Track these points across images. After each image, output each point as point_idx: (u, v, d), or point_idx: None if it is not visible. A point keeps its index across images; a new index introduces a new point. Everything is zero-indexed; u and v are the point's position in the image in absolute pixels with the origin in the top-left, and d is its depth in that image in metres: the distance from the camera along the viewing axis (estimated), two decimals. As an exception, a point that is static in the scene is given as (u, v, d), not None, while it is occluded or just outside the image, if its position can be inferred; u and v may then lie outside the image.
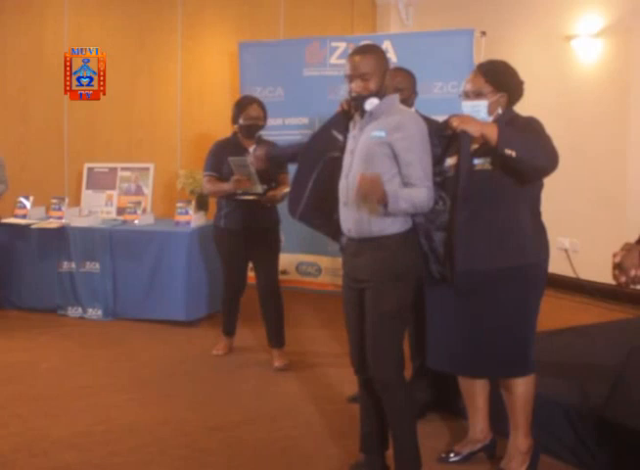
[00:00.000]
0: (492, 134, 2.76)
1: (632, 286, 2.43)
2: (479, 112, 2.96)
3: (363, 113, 2.91)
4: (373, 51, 2.92)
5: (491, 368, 3.08)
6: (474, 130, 2.79)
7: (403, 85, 3.67)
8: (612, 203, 6.12)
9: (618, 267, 2.40)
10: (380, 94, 2.88)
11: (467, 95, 3.00)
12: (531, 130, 2.89)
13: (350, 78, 2.88)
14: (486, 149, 2.87)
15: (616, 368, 3.60)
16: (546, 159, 2.83)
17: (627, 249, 2.42)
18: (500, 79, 2.98)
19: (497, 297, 2.95)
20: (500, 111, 2.99)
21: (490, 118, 2.97)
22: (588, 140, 6.47)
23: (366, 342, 2.92)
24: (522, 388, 3.04)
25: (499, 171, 2.88)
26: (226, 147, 4.65)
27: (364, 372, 3.01)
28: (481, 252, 2.91)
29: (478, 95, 2.97)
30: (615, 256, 2.42)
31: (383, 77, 2.88)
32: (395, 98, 2.97)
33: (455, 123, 2.81)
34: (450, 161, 2.90)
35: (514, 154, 2.75)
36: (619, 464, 3.06)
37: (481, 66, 3.06)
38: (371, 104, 2.87)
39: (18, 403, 4.00)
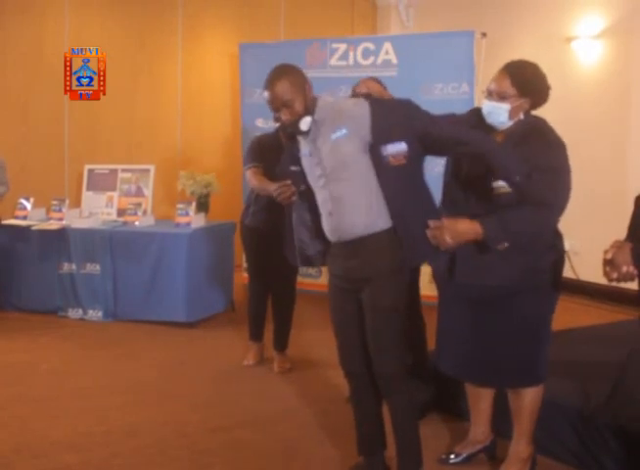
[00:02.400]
0: (478, 238, 2.74)
1: (623, 282, 2.45)
2: (499, 114, 2.88)
3: (303, 132, 2.85)
4: (284, 74, 2.83)
5: (500, 379, 3.07)
6: (459, 243, 2.75)
7: (371, 90, 3.61)
8: (612, 204, 6.11)
9: (610, 264, 2.42)
10: (309, 109, 2.83)
11: (490, 94, 2.90)
12: (545, 169, 2.76)
13: (275, 110, 2.83)
14: None
15: (616, 370, 3.60)
16: (544, 228, 2.84)
17: (618, 246, 2.44)
18: (527, 84, 2.87)
19: (510, 310, 2.92)
20: (522, 116, 2.90)
21: (510, 123, 2.90)
22: (589, 141, 6.46)
23: (367, 340, 2.91)
24: (530, 395, 3.03)
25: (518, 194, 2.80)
26: (267, 144, 4.43)
27: (361, 372, 2.99)
28: (496, 267, 2.86)
29: (501, 97, 2.87)
30: (606, 253, 2.44)
31: (304, 93, 2.83)
32: (324, 97, 2.91)
33: (440, 244, 2.75)
34: None
35: (506, 244, 2.75)
36: (621, 466, 3.06)
37: (510, 66, 2.92)
38: (305, 123, 2.82)
39: (18, 405, 4.00)
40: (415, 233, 2.79)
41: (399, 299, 2.89)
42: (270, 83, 2.82)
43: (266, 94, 2.83)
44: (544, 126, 2.92)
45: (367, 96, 2.91)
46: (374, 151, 2.76)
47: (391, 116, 2.78)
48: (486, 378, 3.11)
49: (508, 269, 2.86)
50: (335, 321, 3.05)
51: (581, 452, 3.21)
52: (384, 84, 3.79)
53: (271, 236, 4.43)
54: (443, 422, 3.73)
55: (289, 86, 2.80)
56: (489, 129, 2.95)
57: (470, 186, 2.91)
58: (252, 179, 4.33)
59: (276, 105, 2.82)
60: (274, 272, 4.58)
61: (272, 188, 4.16)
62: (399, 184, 2.77)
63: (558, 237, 3.01)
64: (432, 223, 2.76)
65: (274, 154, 4.23)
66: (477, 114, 3.01)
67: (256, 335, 4.75)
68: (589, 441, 3.18)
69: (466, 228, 2.75)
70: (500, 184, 2.82)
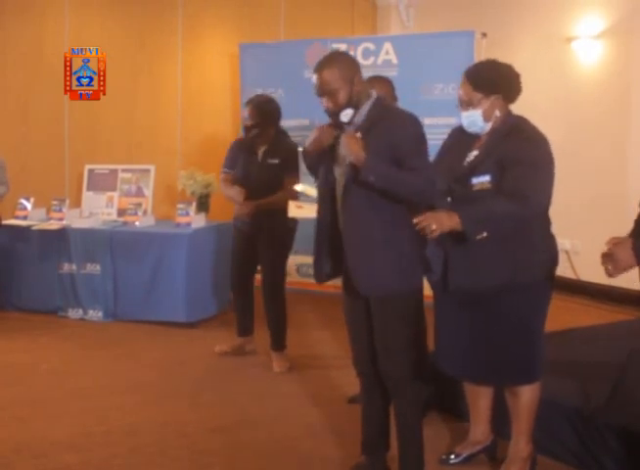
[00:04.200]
0: (457, 227, 2.75)
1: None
2: (475, 122, 2.92)
3: (344, 123, 2.83)
4: (334, 63, 2.80)
5: (496, 377, 3.07)
6: (443, 230, 2.74)
7: (381, 93, 3.63)
8: (612, 204, 6.12)
9: (609, 258, 2.40)
10: (352, 102, 2.79)
11: (461, 105, 2.95)
12: (525, 164, 2.78)
13: (319, 96, 2.82)
14: (485, 167, 2.84)
15: (616, 370, 3.60)
16: (519, 218, 2.81)
17: (617, 242, 2.42)
18: (488, 83, 2.90)
19: (502, 311, 2.92)
20: (498, 113, 2.91)
21: (489, 125, 2.92)
22: (589, 141, 6.47)
23: (375, 341, 2.90)
24: (527, 394, 3.03)
25: (499, 188, 2.81)
26: (240, 146, 4.67)
27: (370, 373, 2.99)
28: (485, 268, 2.87)
29: (469, 104, 2.91)
30: (607, 249, 2.42)
31: (352, 85, 2.78)
32: (377, 100, 2.87)
33: (428, 233, 2.74)
34: None
35: (485, 234, 2.77)
36: (621, 466, 3.06)
37: (467, 71, 2.96)
38: (346, 115, 2.80)
39: (18, 405, 4.00)
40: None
41: (410, 301, 2.86)
42: (318, 69, 2.81)
43: (313, 78, 2.81)
44: (524, 124, 2.94)
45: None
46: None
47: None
48: (483, 376, 3.11)
49: (497, 269, 2.87)
50: (346, 321, 3.06)
51: (581, 452, 3.20)
52: (393, 84, 3.83)
53: (254, 235, 4.56)
54: (443, 422, 3.73)
55: (337, 76, 2.77)
56: (474, 138, 2.98)
57: (451, 184, 2.93)
58: (221, 184, 4.67)
59: (320, 91, 2.80)
60: (262, 272, 4.66)
61: (231, 193, 4.50)
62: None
63: (550, 237, 3.01)
64: (415, 219, 2.74)
65: (245, 157, 4.55)
66: (460, 131, 3.05)
67: (237, 330, 4.83)
68: (589, 441, 3.18)
69: (446, 217, 2.76)
70: (479, 180, 2.84)
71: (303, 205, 4.73)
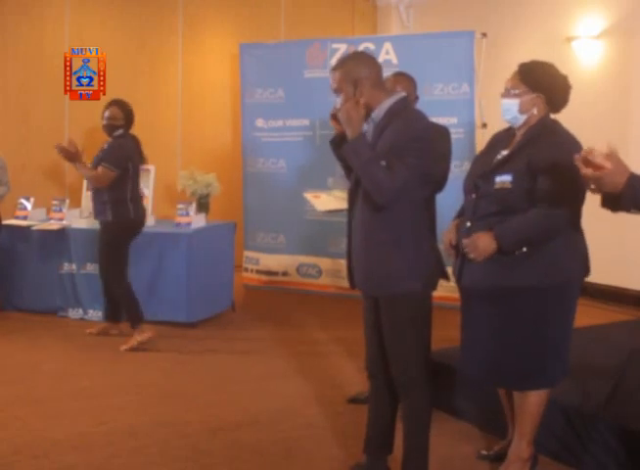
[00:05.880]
0: (495, 249, 2.83)
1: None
2: (510, 110, 2.97)
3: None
4: (347, 62, 2.81)
5: (505, 380, 3.07)
6: (484, 257, 2.86)
7: (404, 90, 3.64)
8: (612, 204, 6.12)
9: (597, 177, 2.34)
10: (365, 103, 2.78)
11: (505, 92, 3.00)
12: (553, 171, 2.81)
13: (333, 92, 2.84)
14: (509, 166, 2.87)
15: (616, 370, 3.60)
16: (556, 227, 2.90)
17: (617, 159, 2.39)
18: (535, 79, 2.95)
19: (515, 312, 2.92)
20: (535, 111, 2.95)
21: (523, 117, 2.95)
22: (589, 142, 6.42)
23: (385, 345, 2.91)
24: (534, 397, 3.02)
25: (520, 189, 2.84)
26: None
27: (379, 375, 3.00)
28: (501, 268, 2.88)
29: (512, 94, 2.97)
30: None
31: (354, 88, 2.75)
32: (399, 99, 2.84)
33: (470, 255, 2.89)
34: None
35: (524, 249, 2.84)
36: (621, 466, 3.06)
37: (522, 65, 3.03)
38: None
39: (18, 405, 4.00)
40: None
41: (417, 302, 2.85)
42: (333, 66, 2.84)
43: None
44: (558, 127, 2.99)
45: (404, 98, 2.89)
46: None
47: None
48: (497, 379, 3.11)
49: (513, 269, 2.88)
50: (364, 322, 3.05)
51: (581, 452, 3.20)
52: (415, 83, 3.85)
53: None
54: (443, 422, 3.73)
55: (341, 76, 2.77)
56: (509, 133, 3.03)
57: (476, 180, 2.97)
58: None
59: (332, 88, 2.82)
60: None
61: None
62: None
63: (577, 246, 3.06)
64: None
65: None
66: (506, 129, 3.11)
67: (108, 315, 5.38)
68: (589, 441, 3.18)
69: (484, 244, 2.84)
70: (501, 179, 2.87)
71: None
